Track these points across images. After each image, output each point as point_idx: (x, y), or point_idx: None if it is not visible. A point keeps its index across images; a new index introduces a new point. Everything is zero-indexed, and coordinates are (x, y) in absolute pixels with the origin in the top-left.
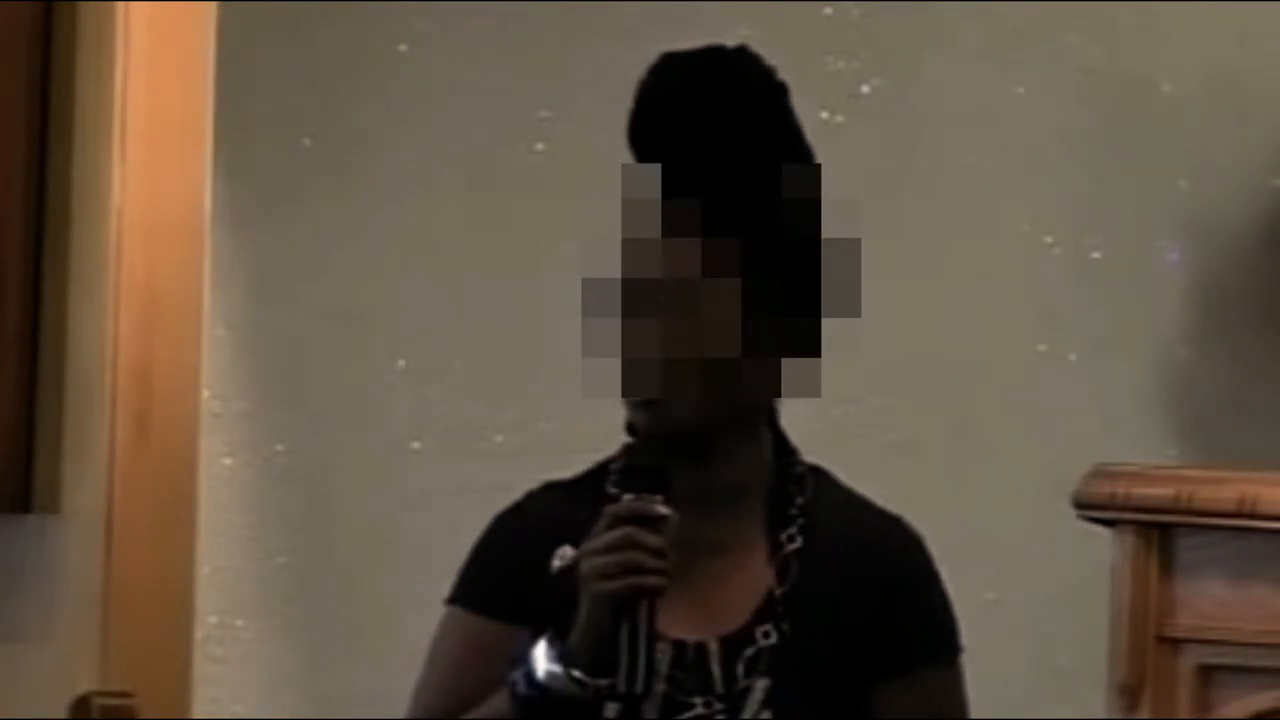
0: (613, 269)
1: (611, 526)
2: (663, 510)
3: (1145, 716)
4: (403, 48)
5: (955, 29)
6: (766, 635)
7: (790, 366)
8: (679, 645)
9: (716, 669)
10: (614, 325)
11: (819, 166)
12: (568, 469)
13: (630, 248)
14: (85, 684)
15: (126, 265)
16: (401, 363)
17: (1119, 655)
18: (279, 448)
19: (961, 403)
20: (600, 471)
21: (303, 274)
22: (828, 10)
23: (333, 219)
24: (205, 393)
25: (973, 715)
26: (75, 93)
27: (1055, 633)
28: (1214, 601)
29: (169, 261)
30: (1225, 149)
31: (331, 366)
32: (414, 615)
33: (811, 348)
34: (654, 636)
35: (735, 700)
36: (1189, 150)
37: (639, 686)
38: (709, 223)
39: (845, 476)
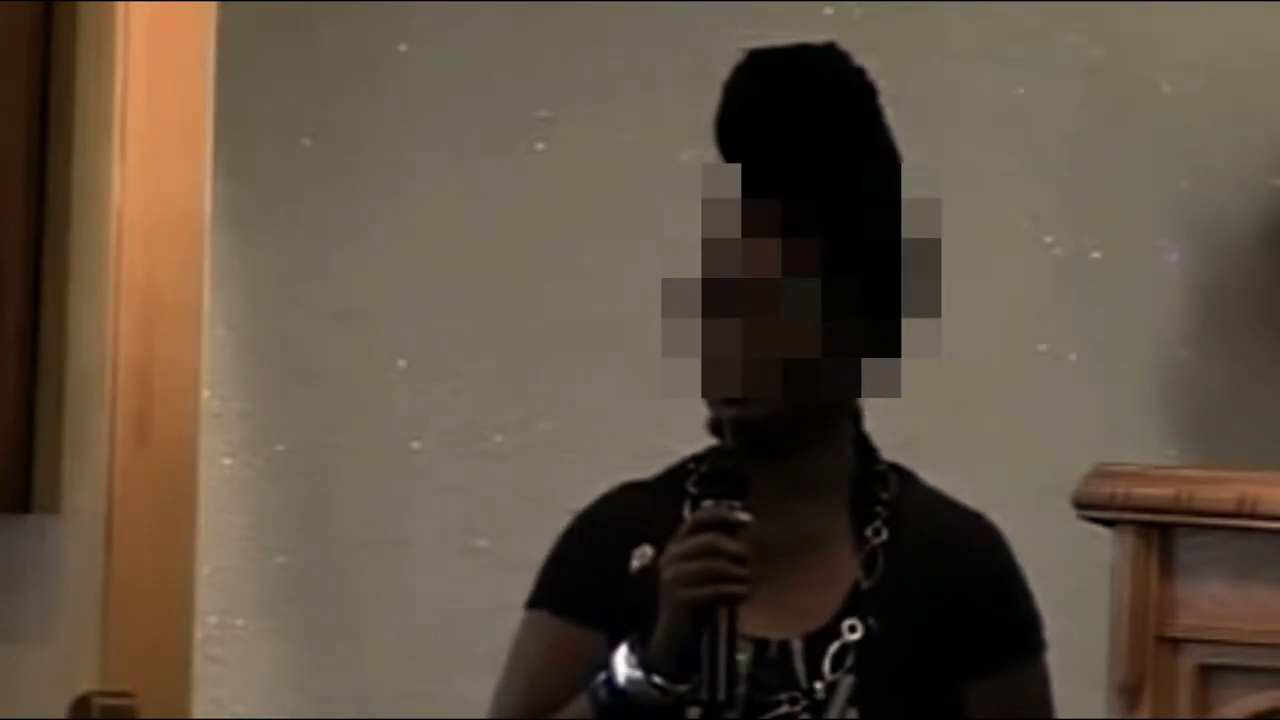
0: (685, 269)
1: (693, 533)
2: (743, 516)
3: (1145, 716)
4: (403, 48)
5: (955, 29)
6: (853, 630)
7: (870, 366)
8: (760, 644)
9: (801, 666)
10: (694, 325)
11: (900, 166)
12: (567, 469)
13: (711, 247)
14: (85, 684)
15: (126, 265)
16: (401, 363)
17: (1119, 655)
18: (279, 448)
19: (961, 403)
20: (679, 471)
21: (303, 274)
22: (828, 10)
23: (333, 219)
24: (205, 393)
25: None
26: (75, 93)
27: (1055, 633)
28: (1214, 601)
29: (169, 261)
30: (1225, 149)
31: (331, 366)
32: (414, 615)
33: (892, 348)
34: (735, 643)
35: (821, 697)
36: (1189, 150)
37: (721, 694)
38: (790, 222)
39: None
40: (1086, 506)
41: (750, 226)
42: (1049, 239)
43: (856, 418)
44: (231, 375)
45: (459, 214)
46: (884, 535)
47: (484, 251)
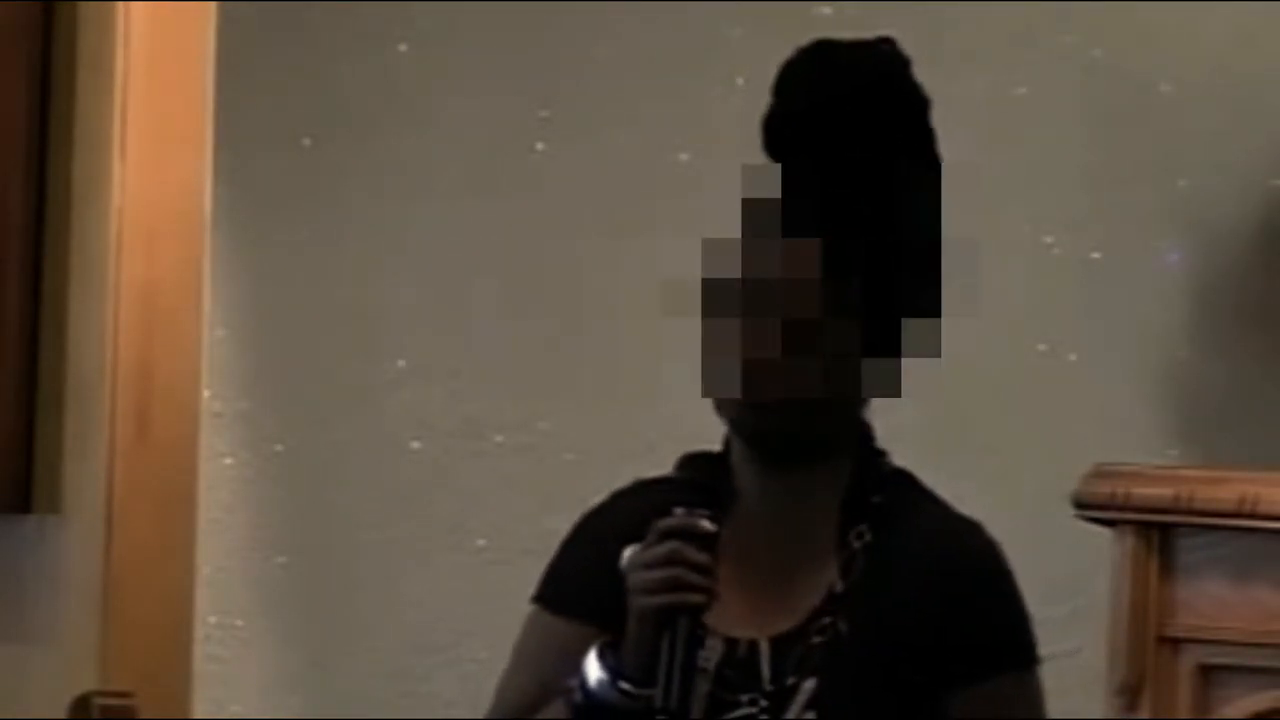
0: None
1: (659, 540)
2: (709, 526)
3: (1145, 716)
4: (403, 48)
5: (955, 29)
6: (821, 632)
7: (886, 368)
8: (731, 643)
9: (766, 667)
10: (734, 325)
11: (940, 170)
12: (567, 469)
13: (751, 247)
14: (85, 684)
15: (126, 265)
16: (401, 363)
17: (1119, 655)
18: (279, 448)
19: (961, 403)
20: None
21: (303, 274)
22: (827, 10)
23: (333, 219)
24: (205, 393)
25: None
26: (75, 93)
27: (1055, 633)
28: (1214, 601)
29: (169, 261)
30: (1225, 149)
31: (331, 366)
32: (414, 614)
33: (931, 348)
34: (694, 652)
35: (780, 699)
36: (1189, 150)
37: (672, 703)
38: (834, 222)
39: None
40: (1086, 506)
41: (790, 227)
42: (1049, 239)
43: (863, 421)
44: (231, 375)
45: (459, 214)
46: (867, 538)
47: (484, 251)
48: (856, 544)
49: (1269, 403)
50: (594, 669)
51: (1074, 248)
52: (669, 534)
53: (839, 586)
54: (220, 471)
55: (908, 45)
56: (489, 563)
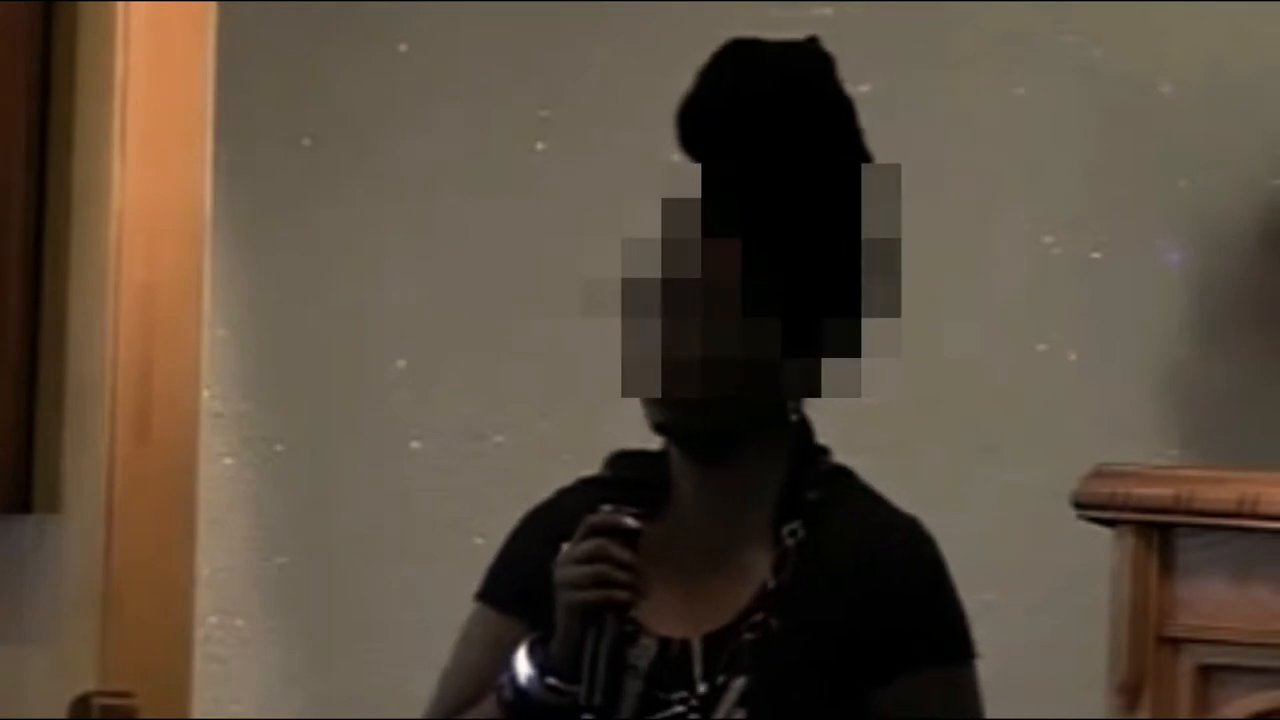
0: (647, 269)
1: (585, 537)
2: (633, 524)
3: (1145, 716)
4: (403, 48)
5: (954, 29)
6: (752, 630)
7: (829, 366)
8: (664, 642)
9: (698, 666)
10: (653, 325)
11: (862, 166)
12: (567, 469)
13: (670, 248)
14: (85, 684)
15: (126, 265)
16: (401, 363)
17: (1119, 655)
18: (279, 448)
19: (961, 403)
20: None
21: (302, 274)
22: (827, 10)
23: (333, 219)
24: (205, 393)
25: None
26: (75, 93)
27: (1055, 633)
28: (1214, 601)
29: (169, 261)
30: (1225, 149)
31: (331, 366)
32: (414, 614)
33: (851, 348)
34: (620, 649)
35: (711, 698)
36: (1189, 150)
37: (597, 699)
38: (753, 222)
39: None
40: (1086, 506)
41: (710, 226)
42: (1049, 239)
43: (800, 417)
44: (231, 375)
45: (459, 214)
46: (800, 535)
47: (484, 251)
48: (790, 540)
49: (1269, 403)
50: (523, 664)
51: (1074, 248)
52: (594, 531)
53: (771, 583)
54: (220, 471)
55: (908, 45)
56: (489, 562)
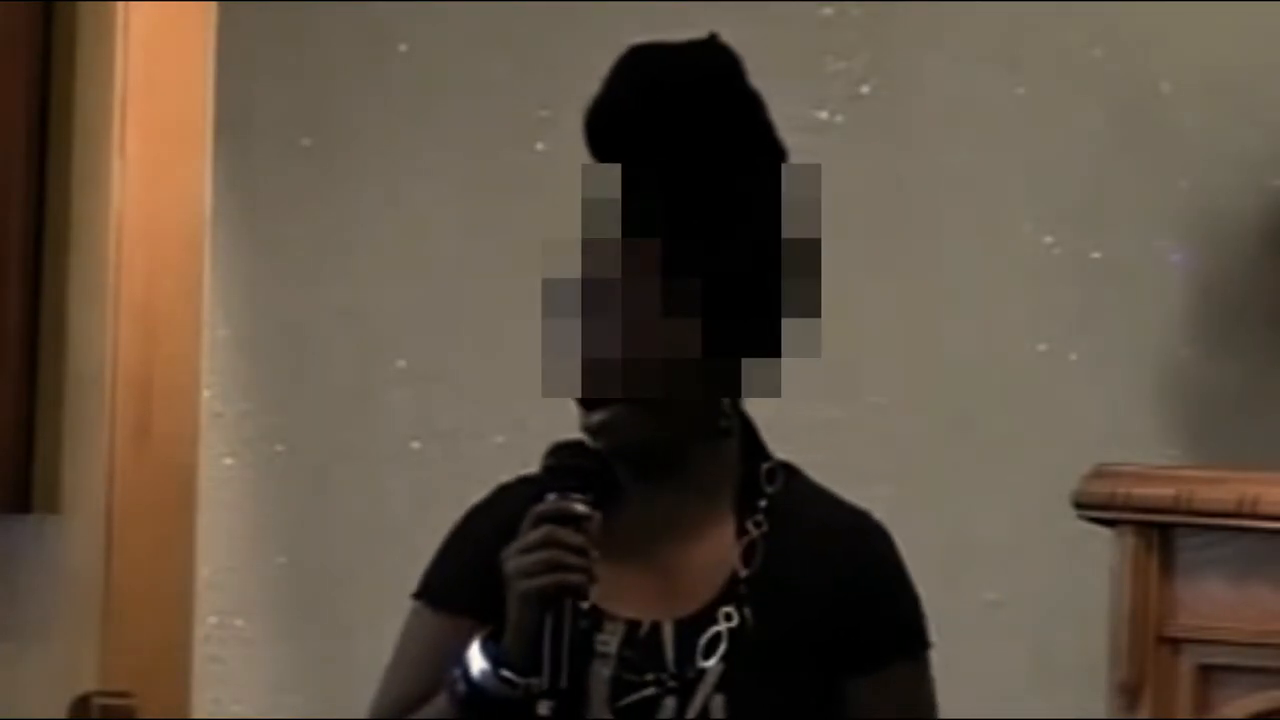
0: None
1: (534, 526)
2: (583, 509)
3: (1145, 716)
4: (403, 48)
5: (955, 29)
6: (728, 618)
7: (750, 366)
8: (632, 625)
9: (670, 650)
10: (574, 325)
11: (781, 165)
12: None
13: (589, 248)
14: (85, 684)
15: (126, 266)
16: (401, 363)
17: (1119, 655)
18: (279, 448)
19: (961, 403)
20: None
21: (302, 274)
22: (827, 10)
23: (333, 219)
24: (205, 393)
25: (973, 715)
26: (75, 93)
27: (1055, 633)
28: (1214, 601)
29: (169, 263)
30: (1225, 149)
31: (331, 366)
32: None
33: (771, 348)
34: (581, 635)
35: (688, 682)
36: (1189, 150)
37: (562, 682)
38: (670, 222)
39: (845, 476)
40: (1086, 506)
41: (628, 226)
42: (1049, 239)
43: (742, 415)
44: (231, 375)
45: (459, 214)
46: (764, 528)
47: (484, 251)
48: (755, 532)
49: (1269, 403)
50: (477, 659)
51: (1074, 248)
52: (544, 519)
53: (742, 572)
54: (220, 471)
55: (908, 45)
56: None
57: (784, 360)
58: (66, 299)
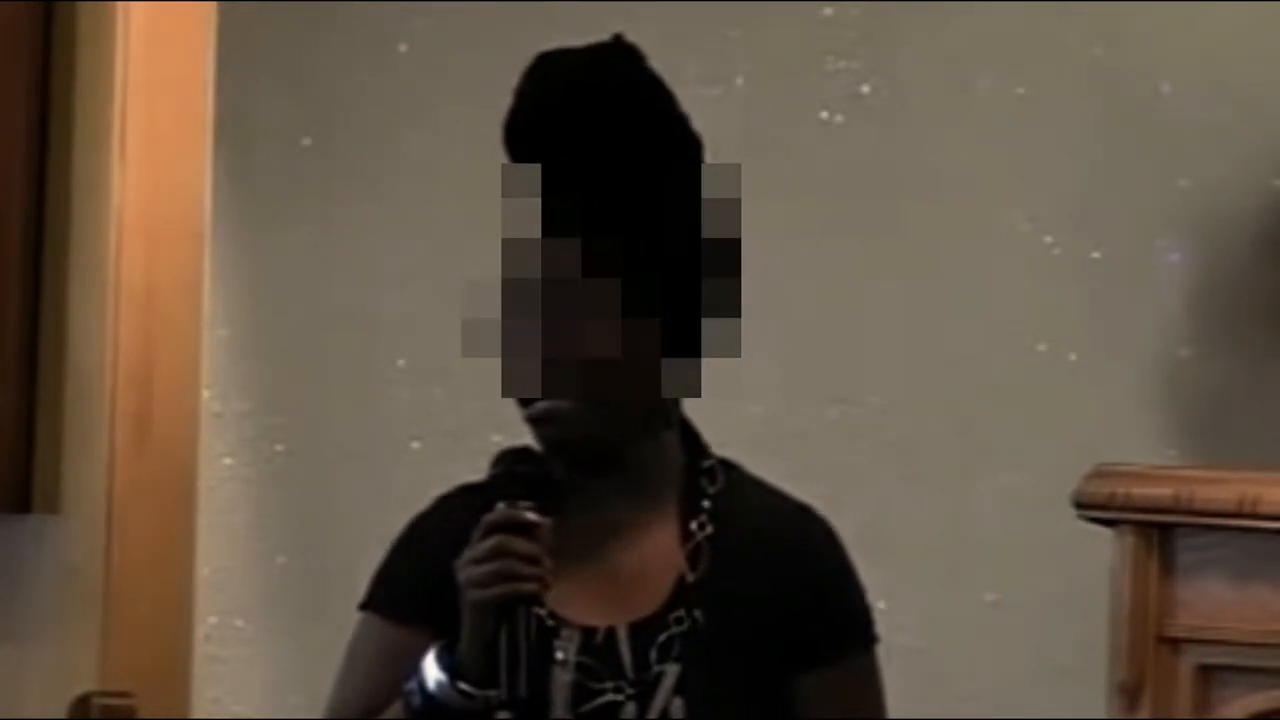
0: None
1: (484, 536)
2: (533, 517)
3: (1145, 716)
4: (403, 48)
5: (955, 29)
6: (679, 622)
7: (670, 366)
8: (587, 632)
9: (627, 655)
10: (495, 326)
11: (700, 164)
12: None
13: (510, 248)
14: (85, 684)
15: (126, 265)
16: (401, 363)
17: (1119, 655)
18: (279, 448)
19: (961, 403)
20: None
21: (303, 274)
22: (828, 10)
23: (333, 219)
24: (205, 393)
25: (973, 715)
26: (75, 93)
27: (1055, 633)
28: (1214, 601)
29: (169, 261)
30: (1225, 149)
31: (331, 366)
32: None
33: (692, 348)
34: (537, 643)
35: (646, 686)
36: (1189, 150)
37: (520, 690)
38: (588, 222)
39: (845, 477)
40: (1086, 506)
41: (550, 227)
42: (1049, 239)
43: (679, 414)
44: (231, 375)
45: (459, 214)
46: (709, 529)
47: (484, 251)
48: (700, 534)
49: (1269, 403)
50: (432, 670)
51: (1074, 248)
52: (495, 528)
53: (689, 576)
54: (220, 471)
55: (909, 45)
56: None
57: (783, 361)
58: (66, 299)
